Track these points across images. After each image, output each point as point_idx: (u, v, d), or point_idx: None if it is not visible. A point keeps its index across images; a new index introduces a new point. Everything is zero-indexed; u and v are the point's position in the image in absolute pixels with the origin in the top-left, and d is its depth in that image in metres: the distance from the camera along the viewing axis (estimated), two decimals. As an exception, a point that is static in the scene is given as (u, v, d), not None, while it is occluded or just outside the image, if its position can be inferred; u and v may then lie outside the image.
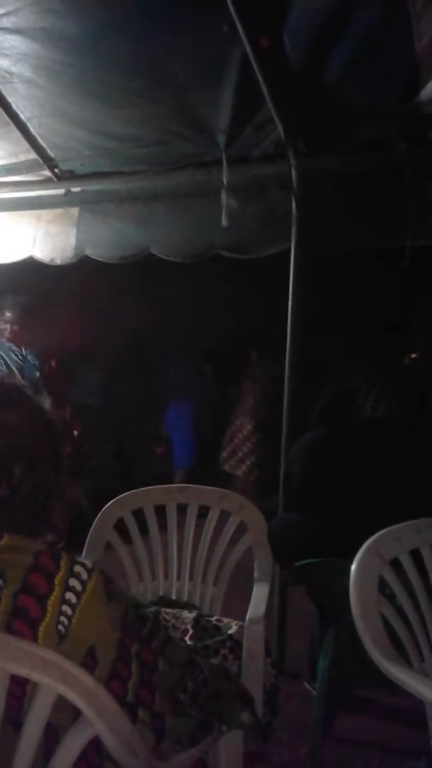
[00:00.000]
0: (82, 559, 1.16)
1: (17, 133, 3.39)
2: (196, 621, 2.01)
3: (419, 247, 3.08)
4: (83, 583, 1.13)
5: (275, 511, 3.05)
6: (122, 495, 2.52)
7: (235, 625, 2.04)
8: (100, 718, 1.06)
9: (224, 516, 2.51)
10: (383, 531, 1.81)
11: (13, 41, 2.79)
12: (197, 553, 2.53)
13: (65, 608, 1.11)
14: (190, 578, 2.52)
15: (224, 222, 3.27)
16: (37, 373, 5.01)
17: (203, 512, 2.53)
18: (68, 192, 3.81)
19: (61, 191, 3.81)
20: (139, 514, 2.51)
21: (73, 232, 3.90)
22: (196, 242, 3.61)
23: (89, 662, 1.12)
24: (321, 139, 3.13)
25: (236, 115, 3.05)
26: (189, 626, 1.99)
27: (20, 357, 5.01)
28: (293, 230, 3.21)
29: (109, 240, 3.83)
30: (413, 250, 3.09)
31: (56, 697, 1.05)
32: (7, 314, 5.15)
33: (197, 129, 3.19)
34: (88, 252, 3.86)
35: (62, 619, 1.10)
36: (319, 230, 3.24)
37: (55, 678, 1.04)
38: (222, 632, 2.00)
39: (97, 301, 7.98)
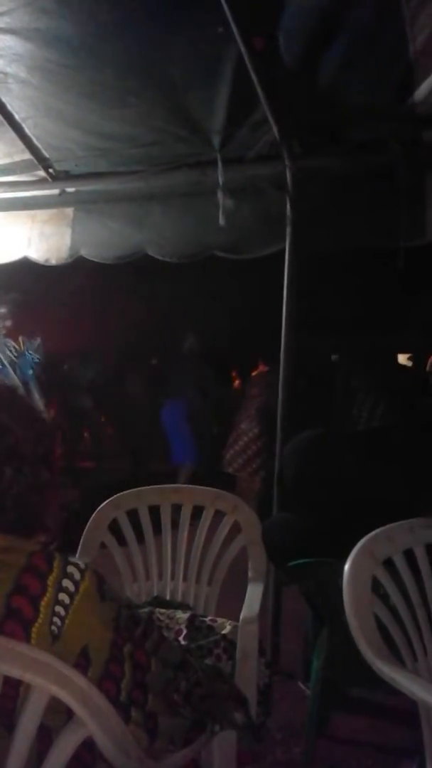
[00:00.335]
0: (75, 559, 1.16)
1: (12, 134, 3.38)
2: (190, 621, 2.02)
3: (414, 248, 3.09)
4: (76, 583, 1.13)
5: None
6: (116, 495, 2.52)
7: (229, 625, 2.05)
8: (93, 718, 1.06)
9: (219, 516, 2.52)
10: (376, 531, 1.82)
11: (7, 42, 2.78)
12: (191, 553, 2.53)
13: (58, 609, 1.11)
14: (184, 578, 2.53)
15: (222, 222, 3.27)
16: (31, 371, 5.00)
17: (198, 513, 2.53)
18: (63, 192, 3.80)
19: (55, 191, 3.80)
20: (134, 515, 2.52)
21: (68, 233, 3.90)
22: (192, 243, 3.61)
23: (82, 663, 1.12)
24: (316, 140, 3.14)
25: (231, 116, 3.06)
26: (183, 626, 1.99)
27: (15, 353, 5.00)
28: (288, 231, 3.22)
29: (105, 240, 3.82)
30: (408, 251, 3.09)
31: (49, 698, 1.05)
32: (1, 310, 5.15)
33: (192, 129, 3.19)
34: (83, 252, 3.85)
35: (55, 620, 1.11)
36: (313, 231, 3.24)
37: (48, 679, 1.04)
38: (216, 632, 2.00)
39: (93, 301, 8.00)
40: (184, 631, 1.97)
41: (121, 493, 2.54)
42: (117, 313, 8.35)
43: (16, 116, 3.30)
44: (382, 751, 2.59)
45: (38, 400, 4.73)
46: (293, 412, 3.26)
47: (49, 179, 3.72)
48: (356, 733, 2.70)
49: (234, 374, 8.09)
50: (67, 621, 1.11)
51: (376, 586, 1.74)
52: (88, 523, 2.43)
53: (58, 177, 3.72)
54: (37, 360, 5.16)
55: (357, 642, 1.59)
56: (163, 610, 2.11)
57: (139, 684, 1.17)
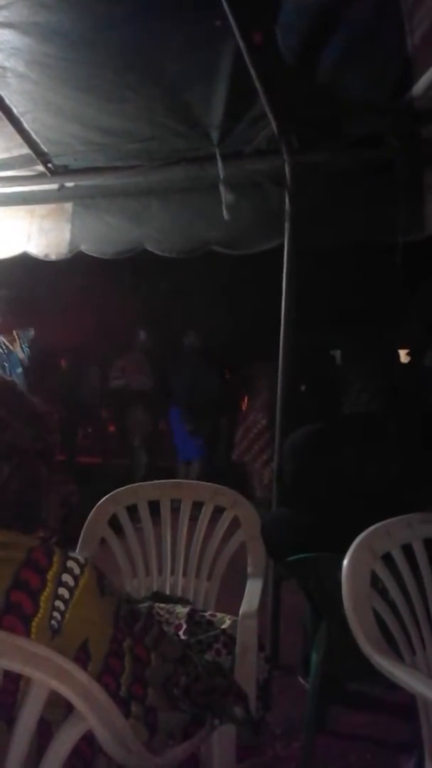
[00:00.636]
0: (75, 554, 1.17)
1: (10, 128, 3.38)
2: (190, 616, 2.02)
3: (413, 243, 3.09)
4: (76, 578, 1.13)
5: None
6: (115, 491, 2.53)
7: (229, 619, 2.05)
8: (93, 712, 1.07)
9: (219, 512, 2.52)
10: (375, 526, 1.82)
11: (5, 36, 2.78)
12: (191, 548, 2.54)
13: (58, 604, 1.11)
14: (184, 574, 2.53)
15: (226, 216, 3.27)
16: (20, 369, 4.98)
17: (199, 509, 2.54)
18: (62, 187, 3.80)
19: (54, 186, 3.80)
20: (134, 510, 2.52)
21: (68, 228, 3.90)
22: (191, 238, 3.61)
23: (82, 657, 1.12)
24: (314, 135, 3.13)
25: (229, 111, 3.05)
26: (183, 621, 1.99)
27: (5, 348, 4.98)
28: (286, 225, 3.22)
29: (104, 235, 3.82)
30: (407, 246, 3.09)
31: (49, 692, 1.06)
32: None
33: (191, 124, 3.19)
34: (83, 248, 3.85)
35: (55, 614, 1.11)
36: (312, 226, 3.24)
37: (48, 673, 1.04)
38: (215, 627, 2.01)
39: (92, 296, 8.01)
40: (184, 626, 1.97)
41: (120, 489, 2.55)
42: (116, 307, 8.37)
43: (15, 110, 3.30)
44: (381, 746, 2.60)
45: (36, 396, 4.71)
46: (292, 407, 3.27)
47: (48, 174, 3.71)
48: (355, 727, 2.71)
49: (234, 368, 8.12)
50: (66, 615, 1.11)
51: (375, 581, 1.75)
52: (88, 519, 2.44)
53: (56, 172, 3.72)
54: (29, 355, 5.14)
55: (356, 636, 1.59)
56: (162, 605, 2.11)
57: (138, 678, 1.18)
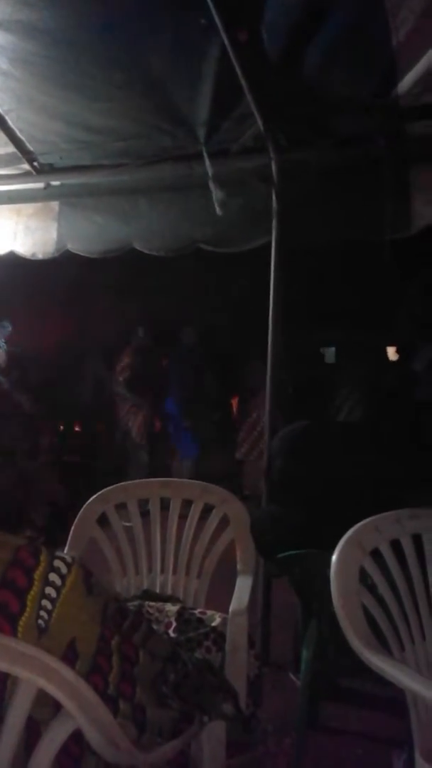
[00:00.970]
0: (62, 554, 1.16)
1: (-5, 127, 3.36)
2: (180, 614, 2.02)
3: (402, 241, 3.09)
4: (63, 577, 1.13)
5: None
6: (104, 490, 2.52)
7: (219, 617, 2.05)
8: (81, 711, 1.06)
9: (208, 510, 2.52)
10: (364, 522, 1.83)
11: (-11, 34, 2.76)
12: (180, 546, 2.54)
13: (45, 603, 1.11)
14: (174, 572, 2.53)
15: (218, 212, 3.26)
16: None
17: (189, 507, 2.54)
18: (48, 186, 3.78)
19: (40, 185, 3.78)
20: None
21: (54, 227, 3.88)
22: (179, 236, 3.60)
23: (70, 656, 1.12)
24: (300, 133, 3.13)
25: (215, 109, 3.04)
26: (172, 619, 2.00)
27: None
28: (273, 224, 3.22)
29: (91, 234, 3.81)
30: (395, 244, 3.10)
31: (37, 691, 1.05)
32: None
33: (177, 122, 3.18)
34: (70, 247, 3.84)
35: (42, 613, 1.11)
36: (299, 224, 3.24)
37: (36, 672, 1.04)
38: (205, 625, 2.01)
39: (81, 295, 7.98)
40: (174, 624, 1.98)
41: (109, 488, 2.54)
42: (108, 306, 8.35)
43: (-1, 109, 3.28)
44: (372, 741, 2.61)
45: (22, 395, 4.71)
46: (281, 405, 3.27)
47: (34, 172, 3.70)
48: (346, 723, 2.72)
49: (232, 367, 8.13)
50: (53, 615, 1.11)
51: (364, 577, 1.76)
52: (77, 518, 2.43)
53: (42, 170, 3.70)
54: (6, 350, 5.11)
55: (345, 632, 1.60)
56: (152, 604, 2.12)
57: (127, 677, 1.18)
